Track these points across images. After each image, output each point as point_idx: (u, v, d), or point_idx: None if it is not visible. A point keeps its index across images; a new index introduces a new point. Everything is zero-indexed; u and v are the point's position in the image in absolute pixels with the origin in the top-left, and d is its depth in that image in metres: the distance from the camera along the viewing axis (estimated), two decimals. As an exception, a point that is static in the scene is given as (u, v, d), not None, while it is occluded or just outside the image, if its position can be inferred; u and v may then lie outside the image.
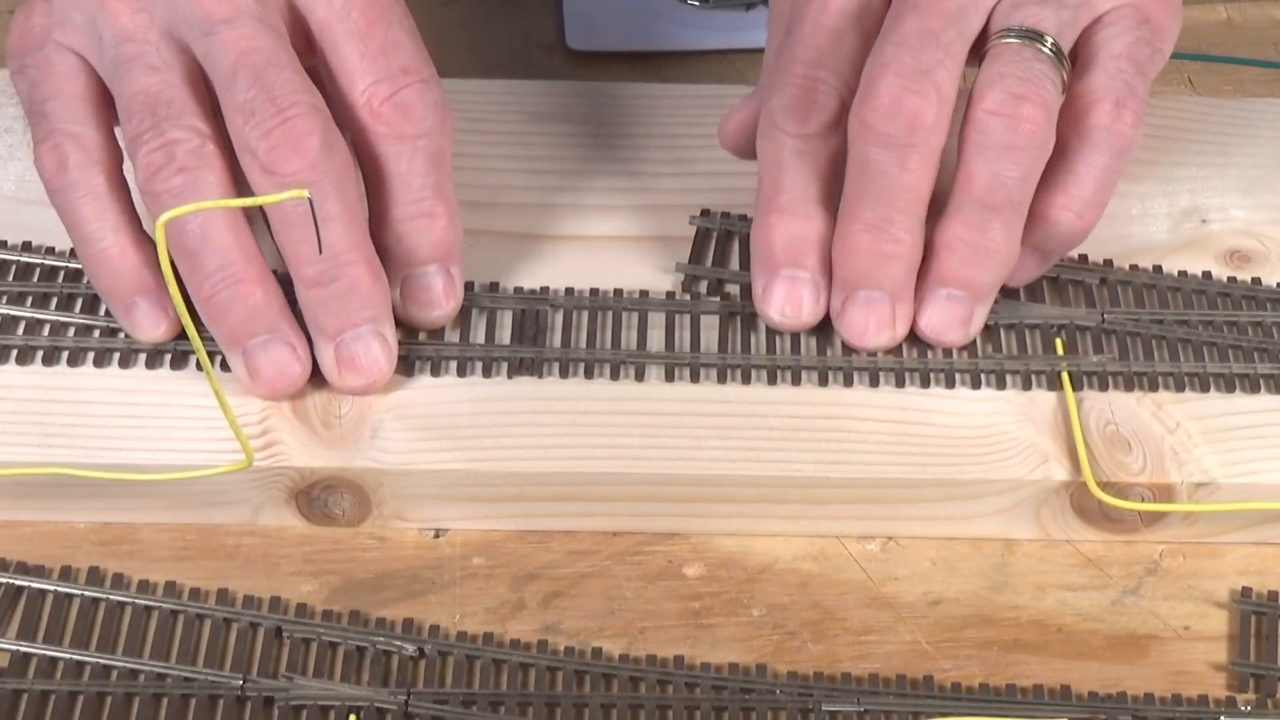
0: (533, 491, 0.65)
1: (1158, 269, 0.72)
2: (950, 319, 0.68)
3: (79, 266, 0.69)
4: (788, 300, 0.68)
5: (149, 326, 0.66)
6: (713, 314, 0.69)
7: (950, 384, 0.67)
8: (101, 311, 0.68)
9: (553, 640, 0.62)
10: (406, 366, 0.67)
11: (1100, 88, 0.66)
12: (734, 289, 0.70)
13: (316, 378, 0.66)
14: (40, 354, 0.67)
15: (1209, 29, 0.87)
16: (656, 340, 0.69)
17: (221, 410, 0.60)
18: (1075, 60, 0.67)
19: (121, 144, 0.66)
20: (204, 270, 0.64)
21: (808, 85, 0.67)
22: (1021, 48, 0.66)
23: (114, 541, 0.65)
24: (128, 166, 0.66)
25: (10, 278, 0.69)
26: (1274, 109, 0.79)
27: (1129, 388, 0.67)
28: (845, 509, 0.65)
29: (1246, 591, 0.64)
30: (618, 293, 0.70)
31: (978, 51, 0.67)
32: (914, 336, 0.68)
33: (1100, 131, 0.66)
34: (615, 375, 0.67)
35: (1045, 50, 0.66)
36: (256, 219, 0.66)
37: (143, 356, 0.67)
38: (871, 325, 0.67)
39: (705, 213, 0.73)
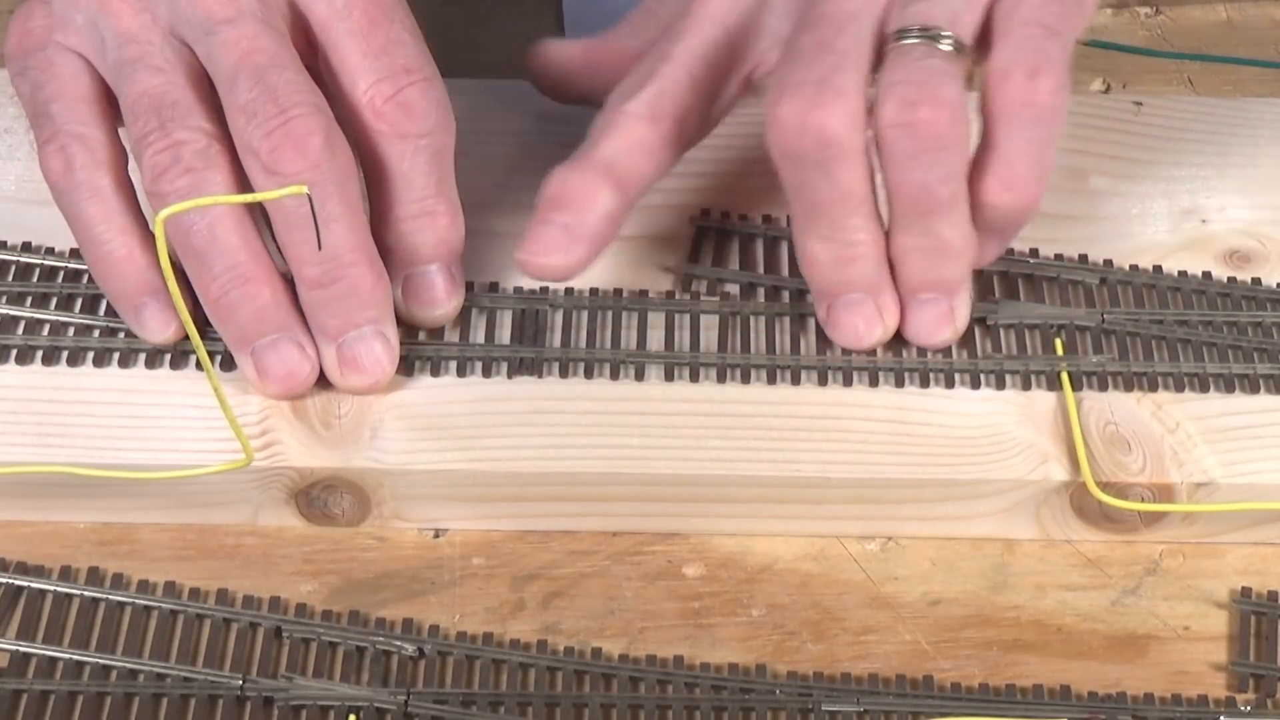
0: (533, 491, 0.65)
1: (1158, 269, 0.72)
2: (933, 321, 0.68)
3: (79, 266, 0.69)
4: (535, 240, 0.67)
5: (158, 328, 0.66)
6: (712, 314, 0.70)
7: (950, 384, 0.67)
8: (101, 311, 0.68)
9: (552, 640, 0.62)
10: (406, 366, 0.67)
11: (1008, 60, 0.65)
12: (734, 289, 0.70)
13: (318, 377, 0.66)
14: (40, 354, 0.67)
15: (1209, 29, 0.87)
16: (656, 340, 0.69)
17: (221, 408, 0.60)
18: (986, 39, 0.66)
19: (126, 145, 0.66)
20: (212, 270, 0.64)
21: (644, 74, 0.68)
22: (911, 49, 0.65)
23: (114, 541, 0.65)
24: (132, 167, 0.66)
25: (10, 278, 0.69)
26: (1274, 109, 0.79)
27: (1129, 388, 0.67)
28: (845, 509, 0.65)
29: (1246, 591, 0.64)
30: (618, 293, 0.70)
31: (879, 57, 0.66)
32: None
33: (1016, 105, 0.64)
34: (615, 375, 0.67)
35: (940, 46, 0.65)
36: (261, 220, 0.66)
37: (142, 356, 0.67)
38: (860, 325, 0.67)
39: (705, 213, 0.73)
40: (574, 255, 0.66)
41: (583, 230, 0.66)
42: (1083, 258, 0.72)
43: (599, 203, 0.67)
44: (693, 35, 0.69)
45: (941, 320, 0.68)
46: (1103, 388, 0.67)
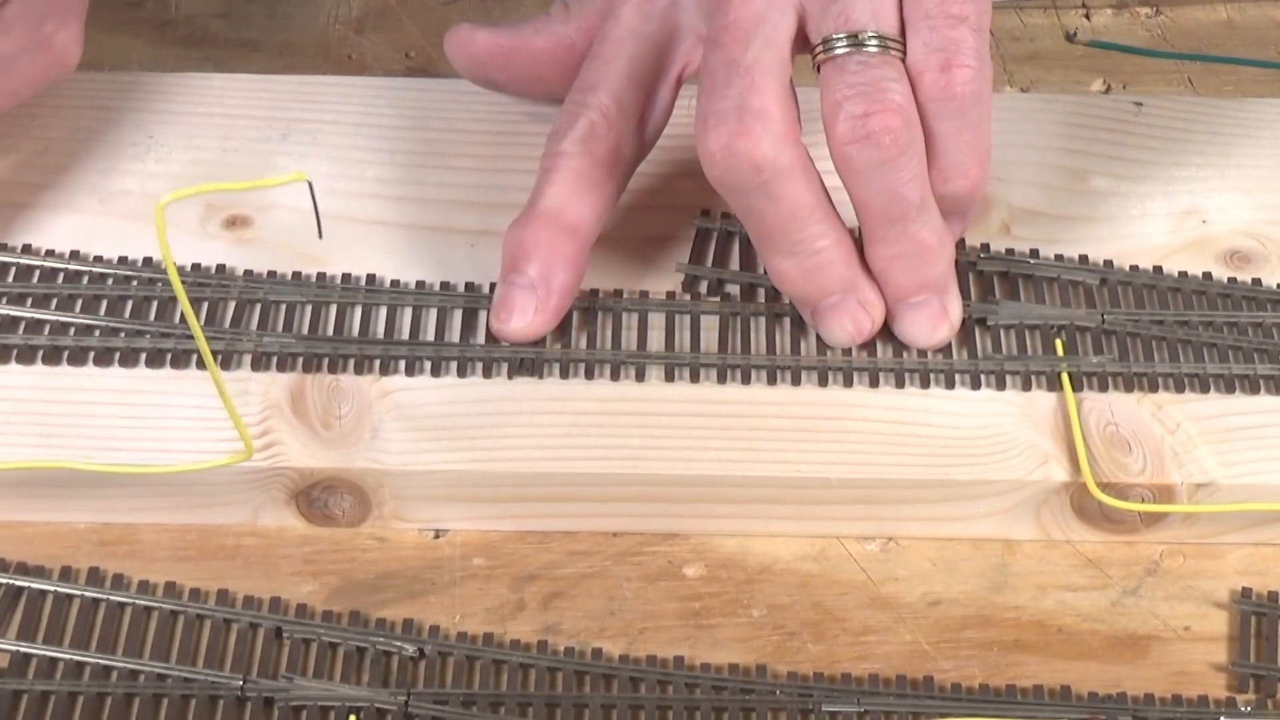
0: (533, 492, 0.65)
1: (1158, 269, 0.72)
2: (927, 322, 0.68)
3: (79, 267, 0.69)
4: (502, 306, 0.68)
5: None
6: (713, 314, 0.70)
7: (950, 384, 0.67)
8: (102, 311, 0.68)
9: (553, 641, 0.62)
10: (407, 366, 0.67)
11: (920, 57, 0.65)
12: (734, 289, 0.71)
13: (314, 372, 0.66)
14: (41, 354, 0.67)
15: (1209, 29, 0.87)
16: (656, 340, 0.69)
17: (221, 402, 0.60)
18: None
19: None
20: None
21: (573, 110, 0.69)
22: (845, 60, 0.65)
23: (114, 542, 0.65)
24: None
25: (11, 278, 0.69)
26: (1274, 109, 0.79)
27: (1129, 388, 0.68)
28: (845, 509, 0.65)
29: (1246, 592, 0.64)
30: (618, 293, 0.70)
31: (808, 52, 0.66)
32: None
33: (935, 102, 0.65)
34: (615, 375, 0.67)
35: (869, 50, 0.64)
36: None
37: (144, 356, 0.67)
38: (849, 324, 0.67)
39: (705, 213, 0.73)
40: (543, 313, 0.67)
41: (546, 285, 0.67)
42: (1083, 258, 0.72)
43: (555, 254, 0.67)
44: (614, 57, 0.70)
45: (936, 319, 0.68)
46: (1103, 388, 0.67)
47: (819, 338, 0.69)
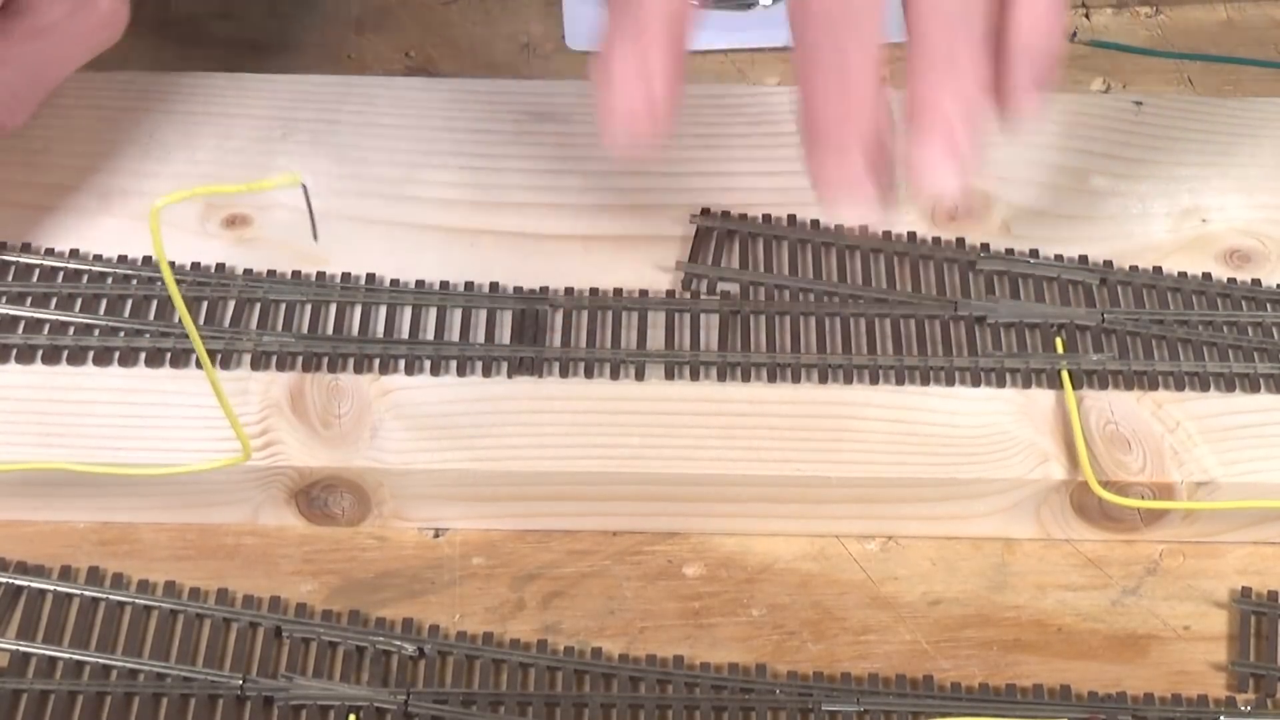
0: (532, 491, 0.65)
1: (1158, 269, 0.72)
2: (938, 151, 0.61)
3: (79, 266, 0.69)
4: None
5: None
6: (713, 313, 0.70)
7: (950, 382, 0.67)
8: (101, 311, 0.68)
9: (552, 640, 0.62)
10: (406, 365, 0.67)
11: None
12: (734, 288, 0.71)
13: (313, 371, 0.67)
14: (40, 353, 0.67)
15: (1209, 29, 0.87)
16: (656, 340, 0.69)
17: (219, 403, 0.60)
18: None
19: None
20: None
21: None
22: None
23: (114, 541, 0.65)
24: None
25: (10, 278, 0.69)
26: (1274, 109, 0.79)
27: (1129, 387, 0.68)
28: (845, 509, 0.65)
29: (1246, 591, 0.64)
30: (618, 292, 0.70)
31: None
32: (912, 337, 0.68)
33: None
34: (615, 375, 0.67)
35: None
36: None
37: (143, 356, 0.67)
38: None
39: (705, 212, 0.73)
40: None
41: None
42: (1083, 258, 0.72)
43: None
44: None
45: (947, 150, 0.61)
46: (1103, 386, 0.67)
47: (819, 336, 0.68)
